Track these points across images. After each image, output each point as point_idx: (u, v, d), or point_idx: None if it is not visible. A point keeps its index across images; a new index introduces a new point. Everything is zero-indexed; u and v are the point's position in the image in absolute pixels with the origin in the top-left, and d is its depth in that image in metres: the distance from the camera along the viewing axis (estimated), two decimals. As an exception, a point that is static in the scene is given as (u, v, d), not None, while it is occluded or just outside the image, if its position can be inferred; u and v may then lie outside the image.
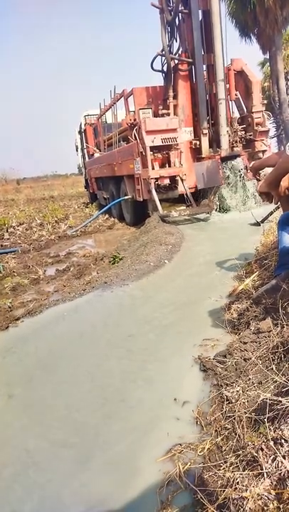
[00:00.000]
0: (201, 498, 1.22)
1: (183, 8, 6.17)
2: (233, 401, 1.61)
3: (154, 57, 6.48)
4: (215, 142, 6.55)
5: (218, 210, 6.24)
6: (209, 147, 6.52)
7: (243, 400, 1.57)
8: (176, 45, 6.58)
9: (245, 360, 1.90)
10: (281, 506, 0.95)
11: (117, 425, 1.70)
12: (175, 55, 6.46)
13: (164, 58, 6.44)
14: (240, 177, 6.19)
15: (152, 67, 6.59)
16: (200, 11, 6.25)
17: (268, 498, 0.98)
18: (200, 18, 6.28)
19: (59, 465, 1.53)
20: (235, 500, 1.08)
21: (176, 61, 6.43)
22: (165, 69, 6.54)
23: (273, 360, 1.70)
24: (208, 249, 4.54)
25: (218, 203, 6.25)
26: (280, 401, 1.19)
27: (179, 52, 6.52)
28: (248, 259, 3.64)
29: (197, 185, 6.51)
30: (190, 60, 6.32)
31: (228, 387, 1.73)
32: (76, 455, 1.57)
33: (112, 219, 9.33)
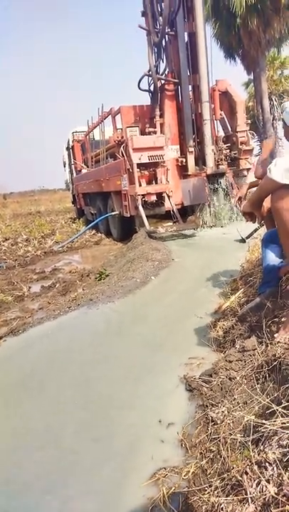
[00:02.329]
0: (186, 525, 1.19)
1: (169, 30, 6.34)
2: (219, 422, 1.59)
3: (141, 78, 6.61)
4: (201, 160, 6.66)
5: (204, 226, 6.30)
6: (195, 165, 6.63)
7: (228, 421, 1.56)
8: (162, 65, 6.74)
9: (230, 379, 1.89)
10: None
11: (99, 449, 1.66)
12: (162, 75, 6.60)
13: (150, 78, 6.58)
14: (225, 194, 6.28)
15: (139, 87, 6.72)
16: (186, 33, 6.44)
17: (252, 526, 0.96)
18: (186, 40, 6.46)
19: (37, 494, 1.48)
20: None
21: (163, 81, 6.58)
22: (152, 89, 6.67)
23: (258, 379, 1.70)
24: (194, 265, 4.56)
25: (204, 220, 6.31)
26: (264, 423, 1.18)
27: (166, 72, 6.67)
28: (233, 276, 3.67)
29: (183, 202, 6.57)
30: (176, 81, 6.47)
31: (213, 408, 1.72)
32: (56, 481, 1.52)
33: (99, 234, 9.33)
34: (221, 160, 6.68)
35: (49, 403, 2.05)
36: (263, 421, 1.21)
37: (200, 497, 1.29)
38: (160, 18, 6.18)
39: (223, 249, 5.11)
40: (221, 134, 7.15)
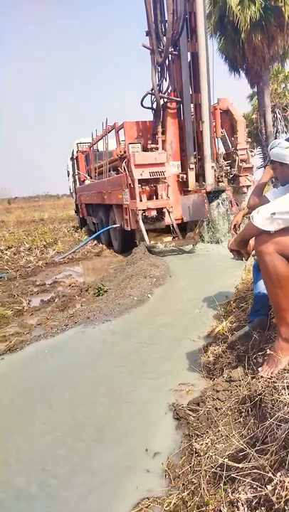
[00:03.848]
0: None
1: (173, 50, 6.49)
2: (202, 454, 1.66)
3: (144, 96, 6.75)
4: (201, 176, 6.77)
5: (203, 242, 6.39)
6: (196, 181, 6.73)
7: (211, 454, 1.63)
8: (165, 84, 6.88)
9: (216, 409, 1.95)
10: None
11: (85, 476, 1.73)
12: (164, 93, 6.74)
13: (153, 97, 6.72)
14: (224, 210, 6.38)
15: (142, 105, 6.86)
16: (189, 53, 6.58)
17: None
18: (188, 60, 6.60)
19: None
20: None
21: (165, 99, 6.72)
22: (154, 106, 6.81)
23: (241, 412, 1.77)
24: (191, 284, 4.64)
25: (203, 236, 6.40)
26: (237, 466, 1.26)
27: (168, 91, 6.81)
28: (228, 297, 3.74)
29: (183, 218, 6.68)
30: (178, 99, 6.60)
31: (198, 439, 1.79)
32: (40, 507, 1.59)
33: (101, 245, 9.43)
34: (221, 177, 6.80)
35: (35, 428, 2.12)
36: (235, 464, 1.28)
37: (179, 530, 1.36)
38: (164, 38, 6.32)
39: (221, 267, 5.19)
40: (222, 151, 7.27)
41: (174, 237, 6.71)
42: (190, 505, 1.46)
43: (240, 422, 1.73)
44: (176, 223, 6.64)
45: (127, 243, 7.61)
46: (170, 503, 1.51)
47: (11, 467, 1.84)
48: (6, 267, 7.74)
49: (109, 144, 9.12)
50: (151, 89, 6.63)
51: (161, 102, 6.71)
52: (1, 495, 1.68)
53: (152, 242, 6.36)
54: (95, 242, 9.82)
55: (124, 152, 6.82)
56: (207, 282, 4.57)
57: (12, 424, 2.18)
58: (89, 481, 1.70)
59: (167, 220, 6.67)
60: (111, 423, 2.10)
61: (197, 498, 1.45)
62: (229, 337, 2.63)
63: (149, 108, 6.95)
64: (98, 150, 10.69)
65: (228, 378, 2.12)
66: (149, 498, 1.56)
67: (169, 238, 6.78)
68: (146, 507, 1.52)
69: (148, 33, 6.56)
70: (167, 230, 6.89)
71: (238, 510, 1.16)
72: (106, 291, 4.80)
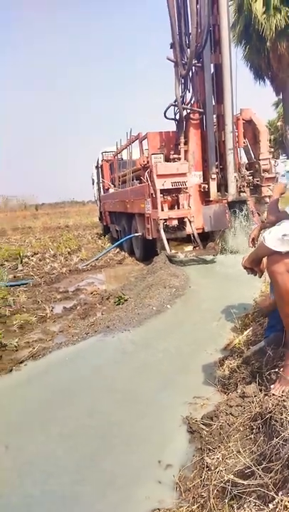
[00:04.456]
0: None
1: (196, 62, 6.57)
2: (212, 468, 1.70)
3: (168, 107, 6.86)
4: (223, 186, 6.79)
5: (224, 252, 6.39)
6: (217, 191, 6.75)
7: (221, 469, 1.67)
8: (188, 94, 6.97)
9: (229, 425, 1.99)
10: None
11: (99, 483, 1.80)
12: (187, 104, 6.83)
13: (176, 108, 6.82)
14: (246, 221, 6.36)
15: (165, 116, 6.97)
16: (212, 65, 6.65)
17: None
18: (212, 72, 6.66)
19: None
20: None
21: (188, 110, 6.80)
22: (178, 117, 6.91)
23: (252, 429, 1.80)
24: (210, 294, 4.66)
25: (224, 246, 6.40)
26: (243, 483, 1.30)
27: (191, 102, 6.89)
28: (246, 309, 3.75)
29: (204, 228, 6.70)
30: (201, 110, 6.66)
31: (210, 453, 1.83)
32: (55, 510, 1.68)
33: (123, 253, 9.56)
34: (244, 187, 6.78)
35: (53, 433, 2.21)
36: (241, 481, 1.32)
37: None
38: (188, 50, 6.42)
39: (240, 278, 5.12)
40: (244, 161, 7.26)
41: (194, 247, 6.74)
42: (199, 519, 1.50)
43: (250, 438, 1.77)
44: (197, 233, 6.67)
45: (148, 251, 7.69)
46: (180, 515, 1.56)
47: (23, 470, 1.94)
48: (31, 273, 7.98)
49: (133, 154, 9.28)
50: (175, 101, 6.73)
51: (184, 113, 6.80)
52: (13, 498, 1.78)
53: (173, 251, 6.42)
54: (118, 249, 9.97)
55: (147, 162, 6.94)
56: (226, 293, 4.58)
57: (31, 429, 2.28)
58: (101, 488, 1.77)
59: (188, 229, 6.71)
60: (126, 432, 2.17)
61: (206, 512, 1.50)
62: (245, 351, 2.66)
63: (172, 119, 7.05)
64: (122, 159, 10.89)
65: (242, 394, 2.15)
66: (160, 510, 1.61)
67: (190, 247, 6.82)
68: (157, 517, 1.58)
69: (172, 46, 6.68)
70: (188, 239, 6.93)
71: (242, 526, 1.21)
72: (126, 300, 4.88)
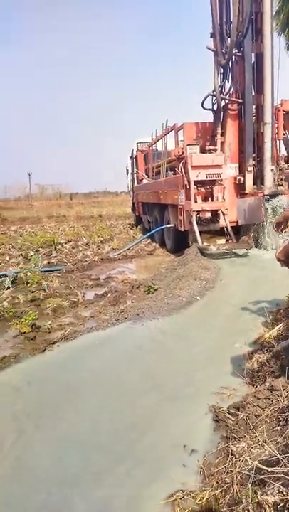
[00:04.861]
0: None
1: (236, 51, 6.42)
2: (237, 456, 1.72)
3: (205, 97, 6.76)
4: (259, 179, 6.64)
5: (257, 247, 6.28)
6: (253, 184, 6.62)
7: (246, 457, 1.68)
8: (227, 84, 6.83)
9: (255, 416, 2.00)
10: None
11: (124, 465, 1.86)
12: (226, 95, 6.70)
13: (214, 98, 6.71)
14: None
15: (203, 106, 6.87)
16: (253, 54, 6.47)
17: None
18: (252, 61, 6.49)
19: (66, 493, 1.72)
20: None
21: (226, 101, 6.67)
22: (215, 107, 6.79)
23: (279, 421, 1.80)
24: (241, 288, 4.62)
25: (257, 240, 6.29)
26: (267, 470, 1.31)
27: (230, 92, 6.75)
28: (278, 305, 3.70)
29: (238, 221, 6.60)
30: (240, 101, 6.53)
31: (235, 442, 1.85)
32: (82, 491, 1.75)
33: (154, 244, 9.60)
34: (281, 180, 6.60)
35: (84, 414, 2.29)
36: (267, 468, 1.33)
37: (209, 524, 1.44)
38: (228, 39, 6.28)
39: (273, 274, 5.06)
40: (283, 153, 7.06)
41: (227, 240, 6.67)
42: (221, 503, 1.53)
43: (277, 430, 1.77)
44: (230, 226, 6.59)
45: (179, 243, 7.68)
46: (203, 498, 1.59)
47: (56, 447, 2.04)
48: (64, 260, 8.19)
49: (168, 144, 9.24)
50: (213, 91, 6.62)
51: (222, 103, 6.68)
52: (50, 472, 1.88)
53: (205, 243, 6.38)
54: (149, 240, 10.02)
55: (182, 153, 6.89)
56: (258, 288, 4.52)
57: (62, 410, 2.37)
58: (128, 468, 1.84)
59: (222, 222, 6.64)
60: (153, 416, 2.22)
61: (228, 497, 1.53)
62: (275, 346, 2.63)
63: (209, 109, 6.95)
64: (157, 150, 10.87)
65: (270, 387, 2.14)
66: (183, 491, 1.65)
67: (223, 241, 6.75)
68: (180, 498, 1.62)
69: (212, 35, 6.55)
70: (221, 233, 6.86)
71: (264, 511, 1.22)
72: (156, 290, 4.92)
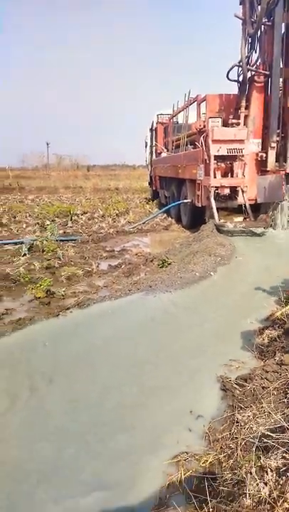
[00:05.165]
0: (194, 503, 1.41)
1: (266, 20, 6.08)
2: (242, 424, 1.77)
3: (231, 68, 6.48)
4: (282, 157, 6.44)
5: (275, 226, 6.18)
6: (275, 161, 6.43)
7: (251, 425, 1.72)
8: (254, 55, 6.52)
9: (263, 388, 2.03)
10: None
11: (134, 424, 1.93)
12: (252, 66, 6.41)
13: (240, 69, 6.44)
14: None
15: (228, 77, 6.61)
16: (283, 24, 6.13)
17: (244, 516, 1.15)
18: (283, 31, 6.15)
19: (82, 444, 1.81)
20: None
21: (253, 72, 6.39)
22: (240, 79, 6.53)
23: (287, 394, 1.82)
24: (256, 266, 4.59)
25: (276, 219, 6.18)
26: (272, 436, 1.34)
27: (257, 63, 6.46)
28: (293, 284, 3.67)
29: (257, 199, 6.47)
30: (267, 73, 6.24)
31: (241, 411, 1.89)
32: (88, 446, 1.83)
33: (170, 219, 9.54)
34: (305, 158, 6.39)
35: (94, 379, 2.36)
36: (271, 434, 1.36)
37: (211, 484, 1.50)
38: (258, 7, 5.94)
39: (290, 253, 5.03)
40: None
41: (245, 218, 6.56)
42: (224, 466, 1.59)
43: (284, 402, 1.80)
44: (249, 204, 6.46)
45: (196, 219, 7.61)
46: (206, 461, 1.65)
47: (67, 408, 2.12)
48: (80, 231, 8.24)
49: (189, 117, 8.99)
50: (239, 61, 6.34)
51: (249, 74, 6.41)
52: (67, 425, 1.96)
53: (222, 220, 6.30)
54: (165, 215, 9.95)
55: (204, 126, 6.71)
56: (273, 267, 4.50)
57: (74, 373, 2.45)
58: (134, 430, 1.90)
59: (240, 199, 6.51)
60: (161, 383, 2.28)
61: (232, 461, 1.58)
62: (287, 322, 2.64)
63: (234, 81, 6.67)
64: (178, 122, 10.59)
65: (280, 361, 2.17)
66: (188, 453, 1.71)
67: (240, 218, 6.64)
68: (184, 460, 1.68)
69: (241, 2, 6.21)
70: (239, 210, 6.74)
71: (266, 474, 1.26)
72: (170, 264, 4.93)
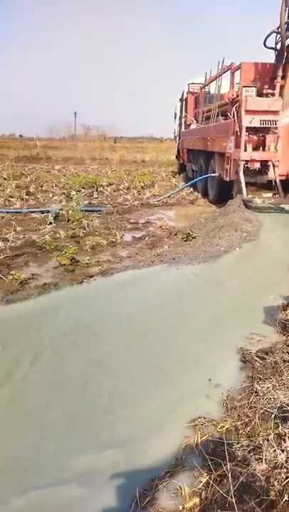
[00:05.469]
0: (209, 465, 1.45)
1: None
2: (261, 395, 1.78)
3: (269, 34, 6.12)
4: None
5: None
6: (311, 135, 6.14)
7: (270, 396, 1.73)
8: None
9: (284, 361, 2.02)
10: (265, 486, 1.13)
11: (151, 391, 1.97)
12: (292, 32, 6.02)
13: (278, 36, 6.06)
14: None
15: (265, 45, 6.25)
16: None
17: (259, 478, 1.17)
18: None
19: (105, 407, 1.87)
20: (233, 474, 1.29)
21: (293, 39, 6.01)
22: (278, 47, 6.16)
23: (308, 368, 1.81)
24: (282, 243, 4.48)
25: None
26: (292, 405, 1.34)
27: (298, 29, 6.05)
28: None
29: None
30: (308, 39, 5.87)
31: (260, 382, 1.89)
32: (110, 407, 1.89)
33: (196, 193, 9.38)
34: None
35: (118, 346, 2.41)
36: (292, 403, 1.36)
37: (227, 449, 1.52)
38: None
39: None
40: None
41: (274, 194, 6.36)
42: (241, 433, 1.61)
43: (305, 376, 1.78)
44: (279, 179, 6.25)
45: (223, 194, 7.44)
46: (223, 427, 1.67)
47: (88, 368, 2.18)
48: (105, 202, 8.24)
49: (222, 87, 8.63)
50: (278, 28, 5.97)
51: (287, 42, 6.03)
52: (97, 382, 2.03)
53: (250, 196, 6.13)
54: (191, 189, 9.79)
55: (237, 96, 6.44)
56: (301, 245, 4.38)
57: (95, 336, 2.50)
58: (155, 393, 1.95)
59: (270, 174, 6.30)
60: (181, 352, 2.30)
61: (249, 429, 1.59)
62: (312, 300, 2.58)
63: (272, 48, 6.31)
64: (209, 92, 10.19)
65: (302, 337, 2.14)
66: (205, 418, 1.74)
67: (269, 194, 6.44)
68: (201, 424, 1.71)
69: None
70: (268, 186, 6.54)
71: (284, 442, 1.27)
72: (194, 238, 4.88)
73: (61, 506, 1.38)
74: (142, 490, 1.41)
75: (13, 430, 1.74)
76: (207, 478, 1.40)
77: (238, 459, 1.34)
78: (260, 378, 1.91)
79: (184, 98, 12.26)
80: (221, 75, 8.44)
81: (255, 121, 5.96)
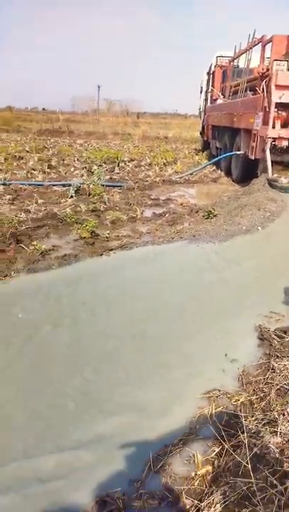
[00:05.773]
0: (222, 436, 1.47)
1: None
2: (277, 371, 1.77)
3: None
4: None
5: None
6: None
7: (287, 373, 1.72)
8: None
9: (302, 340, 2.00)
10: (279, 457, 1.14)
11: (173, 360, 1.99)
12: None
13: None
14: None
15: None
16: None
17: (273, 451, 1.18)
18: None
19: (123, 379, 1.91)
20: (247, 444, 1.30)
21: None
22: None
23: None
24: (307, 224, 4.36)
25: None
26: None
27: None
28: None
29: None
30: None
31: (277, 359, 1.89)
32: (129, 375, 1.93)
33: (219, 172, 9.18)
34: None
35: (136, 315, 2.44)
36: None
37: (241, 421, 1.54)
38: None
39: None
40: None
41: (301, 174, 6.15)
42: (256, 407, 1.62)
43: None
44: (307, 159, 6.03)
45: (247, 173, 7.24)
46: (238, 400, 1.69)
47: (105, 341, 2.22)
48: (126, 178, 8.17)
49: (251, 60, 8.25)
50: None
51: None
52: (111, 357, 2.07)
53: (275, 175, 5.94)
54: (214, 167, 9.58)
55: (267, 70, 6.15)
56: None
57: (114, 306, 2.53)
58: (172, 363, 1.97)
59: (298, 153, 6.08)
60: (199, 326, 2.31)
61: (264, 403, 1.60)
62: None
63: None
64: (238, 66, 9.78)
65: None
66: (220, 391, 1.76)
67: (296, 174, 6.24)
68: (216, 396, 1.73)
69: None
70: (295, 166, 6.32)
71: (300, 417, 1.27)
72: (215, 216, 4.81)
73: (76, 469, 1.43)
74: (156, 455, 1.45)
75: (32, 391, 1.80)
76: (220, 448, 1.42)
77: (252, 431, 1.35)
78: (277, 356, 1.91)
79: (212, 71, 11.81)
80: (251, 48, 8.06)
81: (286, 97, 5.70)
